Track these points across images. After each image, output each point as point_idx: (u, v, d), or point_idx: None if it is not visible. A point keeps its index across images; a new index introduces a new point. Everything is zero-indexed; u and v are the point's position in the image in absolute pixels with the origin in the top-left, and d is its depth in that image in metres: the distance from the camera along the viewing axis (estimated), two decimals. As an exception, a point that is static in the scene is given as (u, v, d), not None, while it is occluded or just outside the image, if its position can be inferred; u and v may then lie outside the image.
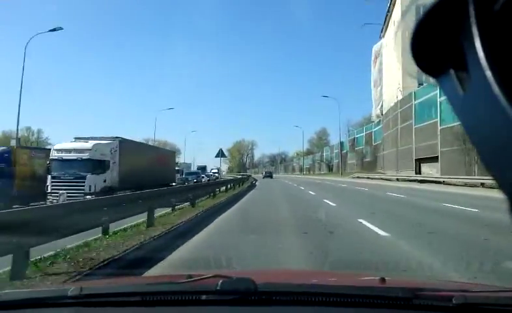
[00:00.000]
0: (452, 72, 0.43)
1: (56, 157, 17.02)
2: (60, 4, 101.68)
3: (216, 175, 58.27)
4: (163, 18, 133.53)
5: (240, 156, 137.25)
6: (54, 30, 27.89)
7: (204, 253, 5.89)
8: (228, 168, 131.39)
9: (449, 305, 1.29)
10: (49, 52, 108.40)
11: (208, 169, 63.83)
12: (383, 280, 1.61)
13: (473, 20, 0.39)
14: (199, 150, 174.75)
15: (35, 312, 1.45)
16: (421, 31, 0.43)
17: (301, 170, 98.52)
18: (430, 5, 0.41)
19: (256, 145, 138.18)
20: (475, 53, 0.38)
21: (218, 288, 1.38)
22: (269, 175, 61.30)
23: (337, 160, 72.84)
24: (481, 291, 1.64)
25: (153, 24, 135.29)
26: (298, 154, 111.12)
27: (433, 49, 0.45)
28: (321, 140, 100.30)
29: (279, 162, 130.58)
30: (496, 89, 0.36)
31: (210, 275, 1.56)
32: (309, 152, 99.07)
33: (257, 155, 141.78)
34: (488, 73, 0.37)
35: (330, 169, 76.81)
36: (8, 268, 4.43)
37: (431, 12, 0.41)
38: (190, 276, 1.56)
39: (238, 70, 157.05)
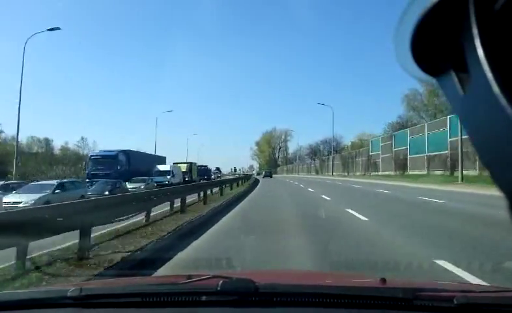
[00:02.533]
0: (452, 72, 0.43)
1: None
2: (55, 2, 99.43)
3: (168, 178, 32.50)
4: (167, 15, 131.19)
5: (270, 149, 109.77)
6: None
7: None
8: (259, 166, 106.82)
9: (451, 306, 1.29)
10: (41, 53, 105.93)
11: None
12: (383, 280, 1.61)
13: (473, 20, 0.39)
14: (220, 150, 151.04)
15: None
16: (421, 31, 0.43)
17: (403, 167, 38.24)
18: (430, 5, 0.41)
19: (291, 135, 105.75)
20: (476, 53, 0.38)
21: (218, 289, 1.38)
22: (268, 175, 64.72)
23: None
24: (482, 291, 1.63)
25: (158, 21, 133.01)
26: (361, 140, 64.05)
27: (433, 49, 0.45)
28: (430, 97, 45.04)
29: (325, 153, 78.90)
30: (496, 89, 0.36)
31: (210, 275, 1.56)
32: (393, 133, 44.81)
33: (293, 147, 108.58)
34: (489, 73, 0.37)
35: None
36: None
37: (431, 12, 0.41)
38: (190, 277, 1.56)
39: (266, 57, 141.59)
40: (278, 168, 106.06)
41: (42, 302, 1.49)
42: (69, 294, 1.40)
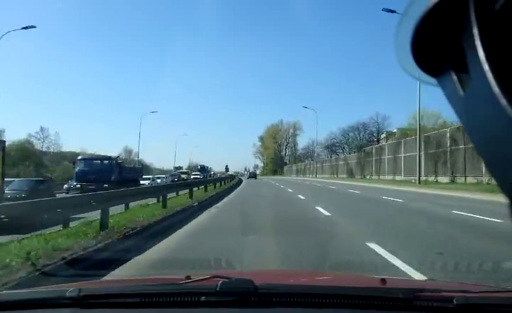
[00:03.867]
0: (452, 72, 0.43)
1: None
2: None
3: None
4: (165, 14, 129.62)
5: (276, 145, 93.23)
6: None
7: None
8: (264, 165, 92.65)
9: (450, 306, 1.29)
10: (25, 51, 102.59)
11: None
12: (383, 280, 1.61)
13: (473, 20, 0.38)
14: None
15: None
16: (421, 31, 0.43)
17: None
18: (430, 5, 0.40)
19: (301, 129, 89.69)
20: (476, 53, 0.38)
21: (218, 289, 1.38)
22: (253, 176, 65.78)
23: None
24: (481, 291, 1.63)
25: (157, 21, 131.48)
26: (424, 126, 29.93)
27: (433, 49, 0.45)
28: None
29: (362, 143, 56.79)
30: (496, 89, 0.36)
31: (209, 276, 1.56)
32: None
33: (303, 142, 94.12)
34: (489, 73, 0.37)
35: None
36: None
37: (431, 12, 0.41)
38: (189, 277, 1.56)
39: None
40: (285, 167, 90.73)
41: (41, 303, 1.48)
42: (68, 294, 1.40)
